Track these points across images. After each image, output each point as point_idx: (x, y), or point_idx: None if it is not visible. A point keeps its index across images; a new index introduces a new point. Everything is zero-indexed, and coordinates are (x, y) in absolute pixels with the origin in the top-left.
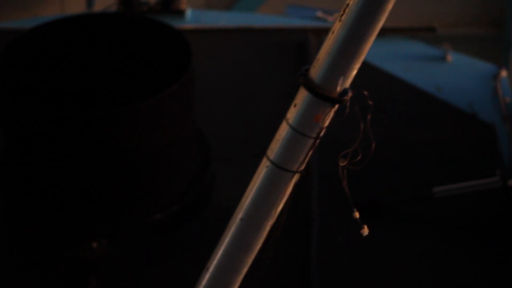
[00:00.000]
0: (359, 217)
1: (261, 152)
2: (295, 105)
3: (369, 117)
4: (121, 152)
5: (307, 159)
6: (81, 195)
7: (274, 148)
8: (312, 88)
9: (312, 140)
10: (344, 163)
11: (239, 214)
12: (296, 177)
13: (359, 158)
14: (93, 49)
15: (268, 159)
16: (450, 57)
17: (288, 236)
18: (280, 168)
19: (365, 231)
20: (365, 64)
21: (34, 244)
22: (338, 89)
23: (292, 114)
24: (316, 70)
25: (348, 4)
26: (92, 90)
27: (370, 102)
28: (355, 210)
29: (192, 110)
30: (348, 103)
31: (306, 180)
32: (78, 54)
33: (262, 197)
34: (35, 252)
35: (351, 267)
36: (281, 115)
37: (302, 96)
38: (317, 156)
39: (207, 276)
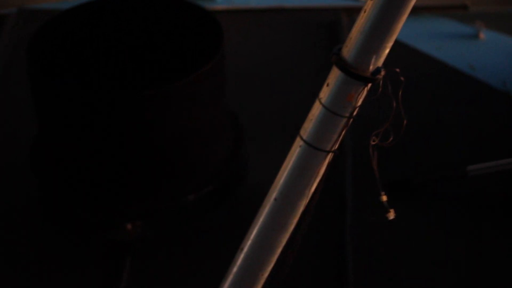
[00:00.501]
0: (387, 200)
1: (295, 132)
2: (327, 85)
3: (400, 93)
4: (154, 134)
5: (340, 138)
6: (115, 177)
7: (307, 127)
8: (344, 67)
9: (345, 119)
10: (375, 142)
11: (273, 194)
12: (329, 157)
13: (390, 136)
14: (126, 31)
15: (302, 138)
16: (483, 35)
17: (321, 216)
18: (314, 148)
19: (391, 215)
20: (397, 43)
21: (68, 227)
22: (371, 68)
23: (325, 93)
24: (349, 49)
25: None
26: (124, 72)
27: (402, 79)
28: (382, 193)
29: (224, 91)
30: (381, 82)
31: (339, 159)
32: (111, 36)
33: (295, 177)
34: (69, 235)
35: (385, 247)
36: (314, 95)
37: (334, 75)
38: (350, 135)
39: (241, 256)
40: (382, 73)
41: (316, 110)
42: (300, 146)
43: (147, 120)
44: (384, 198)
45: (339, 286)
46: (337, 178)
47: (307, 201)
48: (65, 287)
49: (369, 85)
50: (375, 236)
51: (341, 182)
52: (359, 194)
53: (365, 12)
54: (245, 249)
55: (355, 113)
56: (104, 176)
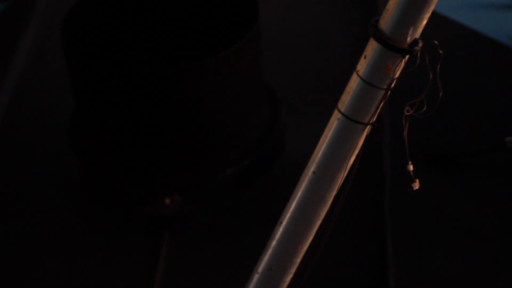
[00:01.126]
0: (413, 170)
1: (332, 105)
2: (365, 57)
3: (438, 66)
4: (192, 108)
5: (378, 110)
6: (154, 151)
7: (345, 100)
8: (382, 39)
9: (383, 92)
10: (409, 113)
11: (311, 167)
12: (367, 129)
13: (424, 108)
14: (161, 6)
15: (339, 111)
16: None
17: (360, 189)
18: (352, 120)
19: (416, 185)
20: (434, 14)
21: (107, 202)
22: (408, 39)
23: (362, 66)
24: (386, 21)
25: None
26: (161, 47)
27: (441, 52)
28: (409, 162)
29: (260, 64)
30: (418, 54)
31: (377, 132)
32: (146, 11)
33: (333, 149)
34: (109, 210)
35: (423, 218)
36: (351, 67)
37: (372, 47)
38: (388, 107)
39: (280, 230)
40: (420, 44)
41: (354, 82)
42: (338, 119)
43: (184, 94)
44: (411, 167)
45: (379, 259)
46: (376, 150)
47: (346, 174)
48: (105, 262)
49: (407, 57)
50: (413, 208)
51: (380, 155)
52: (397, 166)
53: None
54: (284, 223)
55: (392, 85)
56: (143, 151)
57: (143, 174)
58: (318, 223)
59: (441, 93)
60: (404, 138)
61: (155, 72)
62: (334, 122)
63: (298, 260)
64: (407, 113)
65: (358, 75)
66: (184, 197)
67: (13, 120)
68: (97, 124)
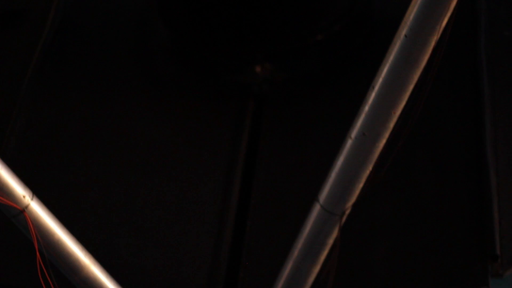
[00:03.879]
0: None
1: None
2: None
3: None
4: None
5: None
6: (245, 19)
7: None
8: None
9: None
10: None
11: (403, 30)
12: None
13: None
14: None
15: None
16: None
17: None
18: None
19: None
20: None
21: (199, 70)
22: None
23: None
24: None
25: None
26: None
27: None
28: None
29: None
30: None
31: None
32: None
33: (425, 12)
34: (200, 78)
35: None
36: None
37: None
38: None
39: (373, 95)
40: None
41: None
42: None
43: None
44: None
45: (474, 111)
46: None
47: (439, 36)
48: (192, 129)
49: None
50: (508, 52)
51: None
52: (492, 8)
53: None
54: (377, 88)
55: None
56: (234, 19)
57: (234, 42)
58: (411, 87)
59: None
60: None
61: None
62: None
63: (392, 125)
64: None
65: None
66: (275, 64)
67: None
68: None
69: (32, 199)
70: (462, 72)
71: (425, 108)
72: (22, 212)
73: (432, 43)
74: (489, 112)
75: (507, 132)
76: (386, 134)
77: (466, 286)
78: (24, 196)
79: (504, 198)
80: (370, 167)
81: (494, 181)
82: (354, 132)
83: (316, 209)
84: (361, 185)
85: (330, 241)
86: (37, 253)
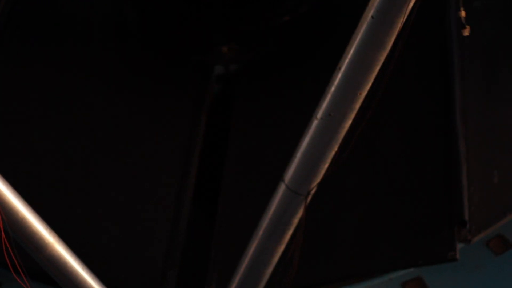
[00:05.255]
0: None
1: None
2: None
3: None
4: None
5: None
6: (212, 1)
7: None
8: None
9: None
10: None
11: (370, 11)
12: None
13: None
14: None
15: None
16: None
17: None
18: None
19: (466, 31)
20: None
21: (166, 48)
22: None
23: None
24: None
25: None
26: None
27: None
28: (461, 9)
29: None
30: None
31: None
32: None
33: None
34: (167, 58)
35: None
36: None
37: None
38: None
39: (339, 76)
40: None
41: None
42: None
43: None
44: (463, 14)
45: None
46: None
47: (405, 18)
48: (153, 107)
49: None
50: (480, 21)
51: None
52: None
53: None
54: (343, 68)
55: None
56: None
57: (202, 22)
58: (377, 68)
59: None
60: None
61: None
62: None
63: (357, 106)
64: None
65: None
66: (241, 46)
67: None
68: None
69: None
70: (431, 43)
71: (394, 77)
72: None
73: (399, 25)
74: (458, 80)
75: (476, 100)
76: (352, 115)
77: (434, 252)
78: None
79: (472, 165)
80: (335, 148)
81: (463, 147)
82: (320, 113)
83: (281, 189)
84: (326, 165)
85: (295, 221)
86: (2, 232)
